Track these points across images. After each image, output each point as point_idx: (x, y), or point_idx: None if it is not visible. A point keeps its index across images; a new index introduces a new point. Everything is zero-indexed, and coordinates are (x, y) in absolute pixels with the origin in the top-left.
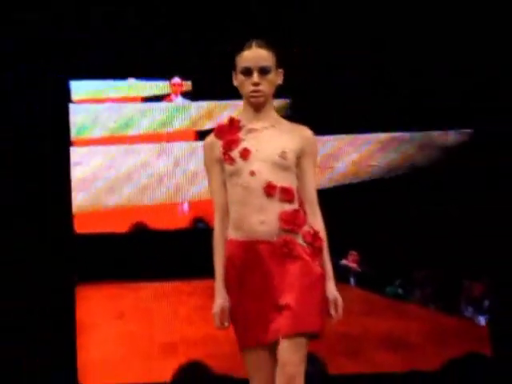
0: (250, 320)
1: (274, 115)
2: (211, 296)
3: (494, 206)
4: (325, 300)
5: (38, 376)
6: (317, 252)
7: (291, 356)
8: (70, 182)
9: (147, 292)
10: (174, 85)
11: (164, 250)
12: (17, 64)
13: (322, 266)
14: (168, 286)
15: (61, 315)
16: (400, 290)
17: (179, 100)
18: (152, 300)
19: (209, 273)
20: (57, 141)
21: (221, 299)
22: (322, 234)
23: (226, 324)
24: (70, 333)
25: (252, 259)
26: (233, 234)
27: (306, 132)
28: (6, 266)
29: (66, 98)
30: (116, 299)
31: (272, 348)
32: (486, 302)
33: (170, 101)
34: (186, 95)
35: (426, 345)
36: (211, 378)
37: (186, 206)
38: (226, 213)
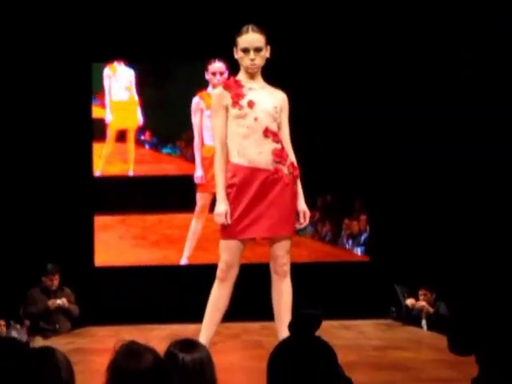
0: (242, 220)
1: (261, 80)
2: None
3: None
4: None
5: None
6: (295, 179)
7: (280, 251)
8: None
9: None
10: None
11: None
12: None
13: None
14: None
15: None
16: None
17: None
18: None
19: None
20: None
21: (224, 205)
22: (296, 164)
23: (228, 221)
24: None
25: (251, 180)
26: (236, 160)
27: (283, 94)
28: None
29: None
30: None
31: (246, 242)
32: (362, 237)
33: None
34: None
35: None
36: None
37: None
38: (224, 144)
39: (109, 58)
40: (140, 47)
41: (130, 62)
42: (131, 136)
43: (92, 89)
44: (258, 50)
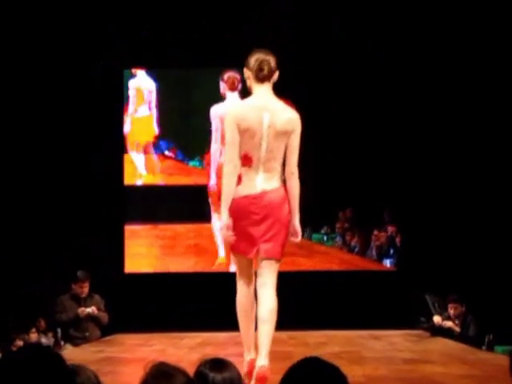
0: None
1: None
2: None
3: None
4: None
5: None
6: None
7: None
8: None
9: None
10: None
11: None
12: None
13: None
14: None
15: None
16: (325, 237)
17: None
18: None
19: None
20: None
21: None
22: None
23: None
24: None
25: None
26: None
27: None
28: None
29: None
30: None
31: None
32: (392, 250)
33: None
34: None
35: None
36: None
37: None
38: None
39: (134, 66)
40: (166, 56)
41: (155, 70)
42: (150, 148)
43: (123, 99)
44: None
